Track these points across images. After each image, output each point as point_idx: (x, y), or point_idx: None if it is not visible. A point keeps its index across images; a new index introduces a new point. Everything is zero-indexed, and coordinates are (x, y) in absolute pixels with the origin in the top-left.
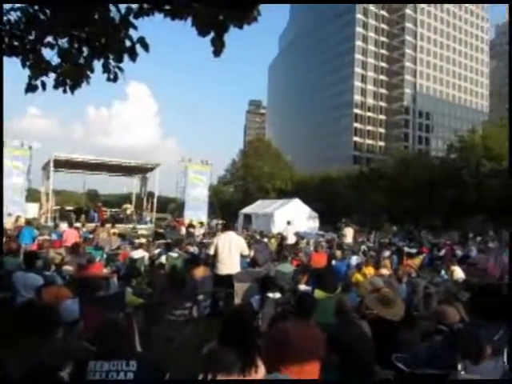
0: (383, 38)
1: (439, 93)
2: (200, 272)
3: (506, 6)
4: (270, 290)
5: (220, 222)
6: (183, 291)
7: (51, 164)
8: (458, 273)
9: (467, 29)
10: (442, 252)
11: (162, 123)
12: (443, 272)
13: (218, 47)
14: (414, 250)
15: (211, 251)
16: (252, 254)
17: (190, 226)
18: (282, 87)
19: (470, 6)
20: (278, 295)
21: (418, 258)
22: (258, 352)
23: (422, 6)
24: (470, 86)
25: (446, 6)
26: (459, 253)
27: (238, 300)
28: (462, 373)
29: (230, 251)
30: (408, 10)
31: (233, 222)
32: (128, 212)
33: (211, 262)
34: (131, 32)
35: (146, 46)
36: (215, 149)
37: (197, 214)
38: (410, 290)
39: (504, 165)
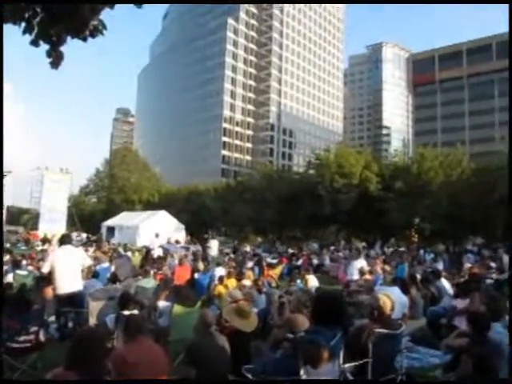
0: (252, 57)
1: (301, 113)
2: (50, 292)
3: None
4: (128, 308)
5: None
6: (29, 314)
7: None
8: (312, 281)
9: (325, 57)
10: (300, 261)
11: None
12: (299, 281)
13: (55, 59)
14: (274, 261)
15: (45, 269)
16: (112, 268)
17: (45, 239)
18: (152, 97)
19: (328, 37)
20: (135, 313)
21: (278, 267)
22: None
23: (287, 31)
24: (327, 108)
25: (307, 34)
26: (315, 261)
27: (92, 320)
28: (304, 377)
29: (70, 267)
30: (275, 34)
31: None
32: None
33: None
34: None
35: None
36: (77, 157)
37: (54, 226)
38: (267, 300)
39: (353, 182)
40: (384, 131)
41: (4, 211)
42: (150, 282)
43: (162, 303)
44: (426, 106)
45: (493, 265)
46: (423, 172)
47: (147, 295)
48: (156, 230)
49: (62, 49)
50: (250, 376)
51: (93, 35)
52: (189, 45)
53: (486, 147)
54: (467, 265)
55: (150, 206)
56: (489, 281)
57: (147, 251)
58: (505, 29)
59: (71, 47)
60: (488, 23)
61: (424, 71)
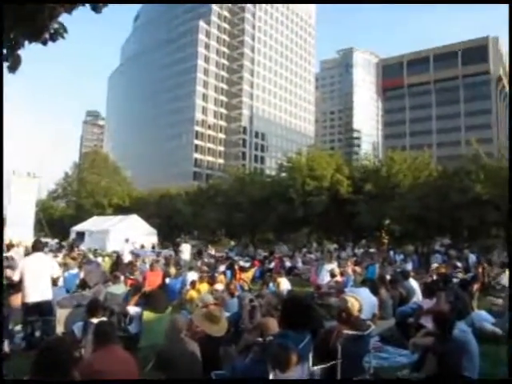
0: (224, 61)
1: (273, 116)
2: (18, 300)
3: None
4: (96, 315)
5: (55, 240)
6: None
7: None
8: (284, 284)
9: (297, 61)
10: (272, 264)
11: None
12: (271, 284)
13: (13, 63)
14: (247, 264)
15: (16, 276)
16: (82, 275)
17: (11, 245)
18: (123, 99)
19: (299, 41)
20: (104, 320)
21: (251, 271)
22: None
23: (259, 35)
24: (298, 111)
25: (279, 38)
26: (288, 264)
27: (60, 328)
28: None
29: (40, 275)
30: (247, 37)
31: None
32: None
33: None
34: None
35: None
36: (46, 161)
37: (20, 231)
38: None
39: (324, 185)
40: (355, 134)
41: None
42: (120, 288)
43: (132, 309)
44: (394, 110)
45: (459, 265)
46: (392, 175)
47: (117, 301)
48: (127, 234)
49: (29, 51)
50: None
51: (53, 39)
52: (160, 47)
53: (452, 151)
54: (435, 265)
55: (120, 210)
56: (455, 280)
57: (117, 256)
58: (470, 36)
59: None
60: (455, 30)
61: (393, 76)
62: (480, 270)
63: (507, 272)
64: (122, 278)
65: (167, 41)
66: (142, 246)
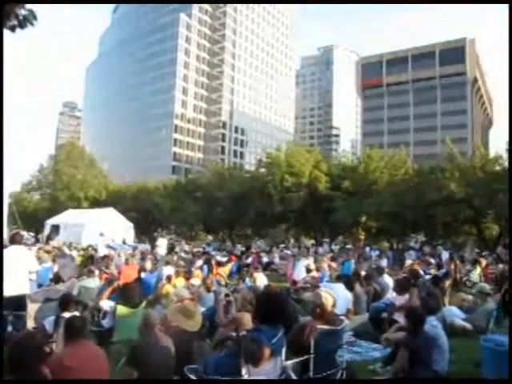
0: (204, 54)
1: (253, 111)
2: None
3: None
4: (68, 309)
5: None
6: None
7: None
8: (260, 279)
9: (278, 56)
10: (249, 259)
11: None
12: (247, 279)
13: None
14: (224, 259)
15: None
16: (55, 268)
17: None
18: (101, 91)
19: (281, 37)
20: (76, 314)
21: (227, 266)
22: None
23: (240, 29)
24: (279, 107)
25: (260, 33)
26: (265, 260)
27: (31, 323)
28: (246, 376)
29: (17, 268)
30: (228, 32)
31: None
32: None
33: None
34: None
35: None
36: (21, 152)
37: None
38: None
39: (303, 181)
40: (334, 132)
41: None
42: (92, 282)
43: (105, 304)
44: (373, 109)
45: (432, 261)
46: (370, 172)
47: (91, 296)
48: (103, 228)
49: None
50: (192, 376)
51: (22, 26)
52: (140, 39)
53: (429, 149)
54: (409, 261)
55: (96, 203)
56: (428, 276)
57: (93, 250)
58: (449, 37)
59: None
60: (435, 31)
61: (372, 75)
62: (452, 266)
63: (478, 269)
64: (97, 272)
65: (147, 33)
66: (124, 242)
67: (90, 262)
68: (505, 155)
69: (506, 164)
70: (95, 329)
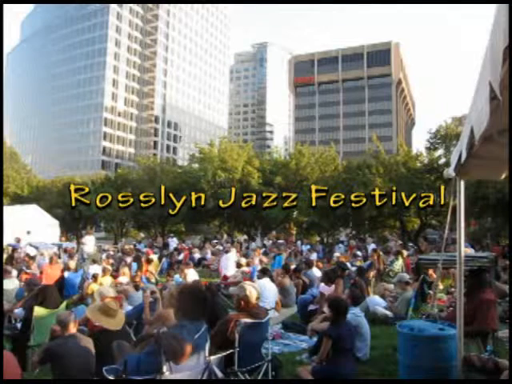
0: (136, 46)
1: (187, 106)
2: None
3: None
4: None
5: None
6: None
7: None
8: (191, 275)
9: (212, 51)
10: (181, 256)
11: None
12: (177, 275)
13: None
14: (155, 256)
15: None
16: None
17: None
18: (24, 80)
19: (215, 32)
20: None
21: (156, 262)
22: None
23: (173, 22)
24: (212, 102)
25: (194, 26)
26: (197, 256)
27: None
28: (167, 373)
29: None
30: (161, 24)
31: None
32: None
33: None
34: None
35: None
36: None
37: None
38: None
39: (236, 177)
40: (267, 128)
41: None
42: (13, 283)
43: (20, 312)
44: (305, 106)
45: (359, 253)
46: (301, 168)
47: (8, 298)
48: (25, 225)
49: None
50: (111, 377)
51: None
52: (66, 26)
53: (357, 147)
54: (337, 254)
55: (18, 199)
56: (354, 268)
57: (12, 249)
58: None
59: None
60: (364, 33)
61: (304, 73)
62: (375, 257)
63: (400, 260)
64: (15, 272)
65: (74, 19)
66: (59, 242)
67: (8, 261)
68: (425, 153)
69: (426, 161)
70: (9, 332)
